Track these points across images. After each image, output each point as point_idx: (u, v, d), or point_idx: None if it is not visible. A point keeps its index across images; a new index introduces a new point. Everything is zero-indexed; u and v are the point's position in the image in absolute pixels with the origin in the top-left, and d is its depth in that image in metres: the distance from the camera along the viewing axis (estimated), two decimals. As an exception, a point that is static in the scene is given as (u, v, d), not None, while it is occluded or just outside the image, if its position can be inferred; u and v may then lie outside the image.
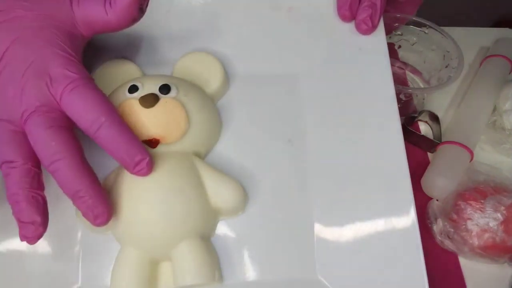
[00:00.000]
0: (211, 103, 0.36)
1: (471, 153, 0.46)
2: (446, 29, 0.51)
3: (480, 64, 0.57)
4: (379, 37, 0.39)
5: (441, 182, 0.44)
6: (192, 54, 0.37)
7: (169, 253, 0.31)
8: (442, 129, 0.51)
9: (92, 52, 0.38)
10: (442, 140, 0.48)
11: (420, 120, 0.51)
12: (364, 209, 0.34)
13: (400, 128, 0.36)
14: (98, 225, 0.29)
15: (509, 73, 0.55)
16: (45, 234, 0.32)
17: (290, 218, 0.34)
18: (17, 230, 0.32)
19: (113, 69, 0.36)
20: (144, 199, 0.30)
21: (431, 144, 0.49)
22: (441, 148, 0.47)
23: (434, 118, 0.51)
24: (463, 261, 0.42)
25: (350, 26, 0.39)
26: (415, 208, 0.33)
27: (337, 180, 0.35)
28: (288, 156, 0.35)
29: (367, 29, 0.38)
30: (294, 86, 0.37)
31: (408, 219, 0.33)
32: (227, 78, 0.37)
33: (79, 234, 0.33)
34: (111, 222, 0.31)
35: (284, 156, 0.35)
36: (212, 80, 0.36)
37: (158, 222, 0.30)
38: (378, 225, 0.33)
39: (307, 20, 0.40)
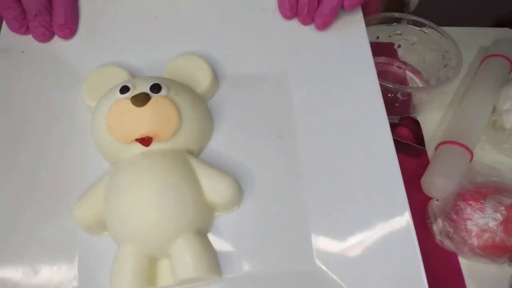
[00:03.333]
0: (202, 102, 0.36)
1: (471, 153, 0.46)
2: (446, 29, 0.51)
3: (480, 64, 0.56)
4: (360, 33, 0.39)
5: (441, 182, 0.44)
6: (181, 57, 0.38)
7: (167, 249, 0.31)
8: (442, 129, 0.51)
9: (84, 57, 0.39)
10: (442, 140, 0.48)
11: (402, 126, 0.50)
12: (356, 198, 0.34)
13: (386, 118, 0.36)
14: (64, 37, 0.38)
15: (509, 73, 0.55)
16: (44, 235, 0.33)
17: (284, 211, 0.34)
18: (16, 232, 0.33)
19: (104, 74, 0.37)
20: (140, 196, 0.31)
21: (416, 150, 0.48)
22: (441, 148, 0.47)
23: (415, 123, 0.50)
24: (463, 261, 0.42)
25: (334, 25, 0.40)
26: (404, 190, 0.33)
27: (328, 171, 0.35)
28: (279, 151, 0.36)
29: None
30: (282, 84, 0.38)
31: (401, 206, 0.33)
32: (216, 78, 0.38)
33: (77, 236, 0.33)
34: (108, 222, 0.31)
35: (275, 151, 0.36)
36: (201, 80, 0.36)
37: (154, 218, 0.30)
38: (371, 212, 0.33)
39: (292, 20, 0.40)
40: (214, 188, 0.32)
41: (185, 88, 0.35)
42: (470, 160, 0.46)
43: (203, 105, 0.36)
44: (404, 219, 0.33)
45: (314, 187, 0.35)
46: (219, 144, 0.36)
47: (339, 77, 0.38)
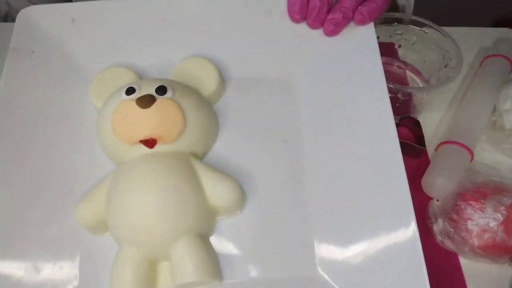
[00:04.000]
0: (208, 105, 0.36)
1: (471, 153, 0.46)
2: (446, 29, 0.51)
3: (480, 64, 0.56)
4: (370, 37, 0.39)
5: (441, 182, 0.44)
6: (188, 59, 0.38)
7: (168, 252, 0.31)
8: (442, 129, 0.51)
9: (92, 58, 0.39)
10: (442, 140, 0.48)
11: (402, 126, 0.50)
12: (361, 205, 0.34)
13: (393, 124, 0.36)
14: None
15: (509, 73, 0.55)
16: (46, 234, 0.33)
17: (288, 216, 0.34)
18: (19, 230, 0.32)
19: (111, 75, 0.37)
20: (141, 197, 0.31)
21: (416, 150, 0.48)
22: (441, 148, 0.47)
23: (416, 123, 0.50)
24: (463, 261, 0.42)
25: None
26: (411, 201, 0.33)
27: (333, 177, 0.35)
28: (283, 155, 0.36)
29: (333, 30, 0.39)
30: (288, 88, 0.38)
31: (407, 215, 0.33)
32: (222, 81, 0.38)
33: (79, 236, 0.33)
34: (110, 223, 0.31)
35: (279, 155, 0.36)
36: (208, 83, 0.37)
37: (155, 219, 0.30)
38: (376, 220, 0.33)
39: (299, 24, 0.40)
40: (217, 191, 0.32)
41: (191, 91, 0.35)
42: (470, 160, 0.46)
43: (208, 107, 0.36)
44: (410, 229, 0.32)
45: (318, 193, 0.34)
46: (223, 147, 0.36)
47: (346, 82, 0.38)
